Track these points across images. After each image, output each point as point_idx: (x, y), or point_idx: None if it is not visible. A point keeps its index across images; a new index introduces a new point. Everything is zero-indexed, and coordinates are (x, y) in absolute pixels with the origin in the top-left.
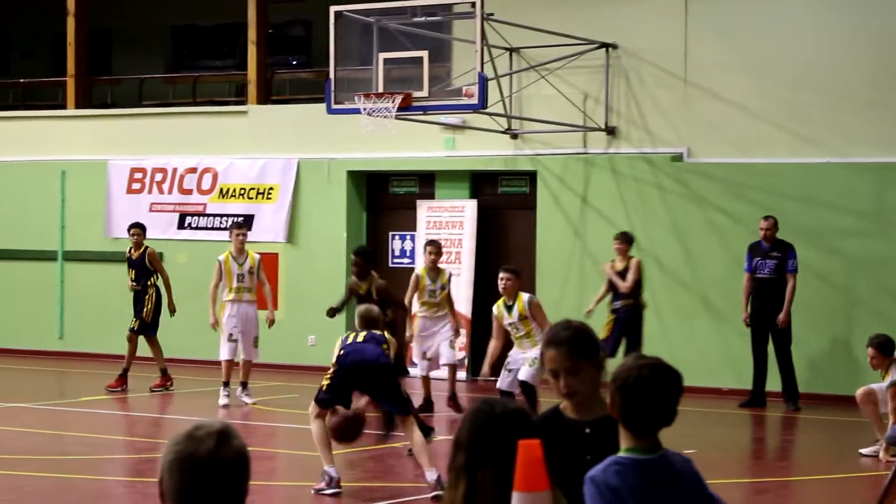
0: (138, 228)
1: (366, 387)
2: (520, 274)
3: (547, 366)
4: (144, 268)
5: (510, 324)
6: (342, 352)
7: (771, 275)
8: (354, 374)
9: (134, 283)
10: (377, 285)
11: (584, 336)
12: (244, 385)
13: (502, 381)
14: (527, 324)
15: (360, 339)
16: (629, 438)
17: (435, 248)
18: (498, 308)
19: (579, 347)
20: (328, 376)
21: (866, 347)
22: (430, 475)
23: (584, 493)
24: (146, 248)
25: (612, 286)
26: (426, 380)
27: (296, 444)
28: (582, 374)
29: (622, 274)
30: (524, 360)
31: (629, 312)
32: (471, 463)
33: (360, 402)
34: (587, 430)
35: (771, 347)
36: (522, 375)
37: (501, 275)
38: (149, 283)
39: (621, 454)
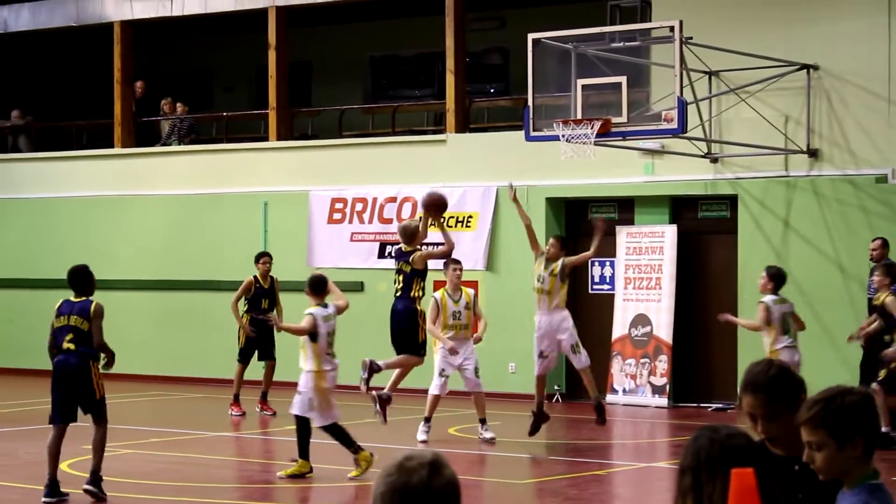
0: (269, 257)
1: None
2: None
3: (745, 409)
4: (275, 297)
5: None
6: None
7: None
8: None
9: (270, 313)
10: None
11: (786, 383)
12: (483, 421)
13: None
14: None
15: None
16: (866, 464)
17: (461, 266)
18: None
19: (779, 393)
20: None
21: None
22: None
23: None
24: (273, 277)
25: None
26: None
27: (501, 472)
28: (782, 419)
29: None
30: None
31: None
32: (697, 484)
33: None
34: (796, 468)
35: None
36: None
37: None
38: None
39: (872, 481)
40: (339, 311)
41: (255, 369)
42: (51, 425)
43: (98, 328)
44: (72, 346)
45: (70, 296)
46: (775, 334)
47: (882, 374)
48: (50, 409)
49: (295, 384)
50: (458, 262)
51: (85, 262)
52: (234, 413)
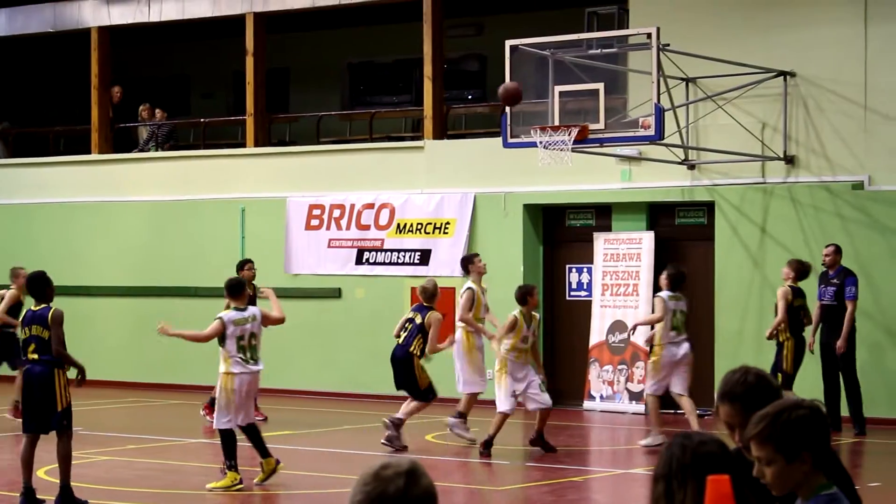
0: (252, 263)
1: None
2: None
3: (722, 418)
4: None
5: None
6: None
7: (831, 301)
8: None
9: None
10: None
11: (762, 392)
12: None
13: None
14: None
15: None
16: (818, 476)
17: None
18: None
19: (755, 402)
20: None
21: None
22: None
23: None
24: (254, 284)
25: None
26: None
27: (478, 479)
28: None
29: None
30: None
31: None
32: (669, 492)
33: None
34: None
35: None
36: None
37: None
38: None
39: (826, 492)
40: (271, 321)
41: None
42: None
43: (56, 335)
44: (35, 356)
45: (33, 304)
46: (664, 329)
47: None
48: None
49: (280, 390)
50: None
51: (61, 269)
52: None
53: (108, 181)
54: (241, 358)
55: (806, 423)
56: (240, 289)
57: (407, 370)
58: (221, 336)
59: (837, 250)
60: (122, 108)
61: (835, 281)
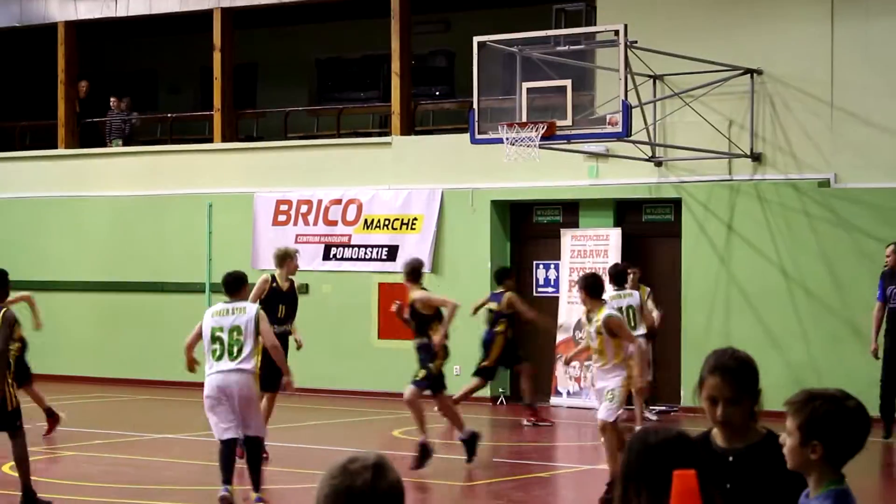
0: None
1: None
2: None
3: (707, 392)
4: None
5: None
6: None
7: None
8: None
9: None
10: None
11: (750, 369)
12: None
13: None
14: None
15: None
16: (830, 471)
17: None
18: None
19: (744, 379)
20: None
21: None
22: None
23: None
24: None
25: None
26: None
27: (445, 474)
28: (742, 405)
29: None
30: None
31: None
32: (625, 494)
33: None
34: (730, 459)
35: None
36: (601, 414)
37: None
38: None
39: (837, 487)
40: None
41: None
42: None
43: (3, 336)
44: None
45: None
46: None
47: (421, 373)
48: None
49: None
50: None
51: (27, 264)
52: None
53: (75, 176)
54: (211, 357)
55: (829, 417)
56: (238, 285)
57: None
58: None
59: None
60: (89, 103)
61: None
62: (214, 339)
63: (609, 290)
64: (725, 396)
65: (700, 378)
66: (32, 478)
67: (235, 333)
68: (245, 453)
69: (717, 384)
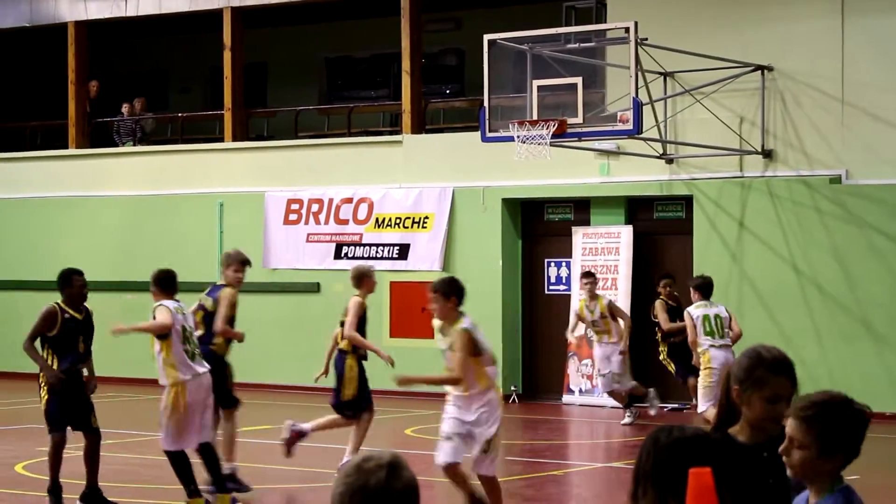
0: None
1: None
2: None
3: (771, 390)
4: None
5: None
6: None
7: None
8: None
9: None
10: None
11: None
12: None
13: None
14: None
15: None
16: (837, 476)
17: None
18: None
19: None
20: None
21: None
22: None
23: None
24: None
25: None
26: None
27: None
28: (789, 402)
29: None
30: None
31: None
32: (634, 493)
33: None
34: (765, 454)
35: None
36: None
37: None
38: None
39: (842, 485)
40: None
41: None
42: None
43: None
44: None
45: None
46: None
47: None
48: None
49: (259, 385)
50: (590, 274)
51: (38, 264)
52: None
53: (86, 176)
54: (188, 358)
55: (852, 425)
56: (171, 282)
57: None
58: (167, 333)
59: None
60: (99, 103)
61: None
62: (186, 338)
63: (695, 301)
64: (789, 395)
65: (752, 376)
66: (45, 477)
67: (191, 334)
68: (203, 457)
69: (784, 383)
